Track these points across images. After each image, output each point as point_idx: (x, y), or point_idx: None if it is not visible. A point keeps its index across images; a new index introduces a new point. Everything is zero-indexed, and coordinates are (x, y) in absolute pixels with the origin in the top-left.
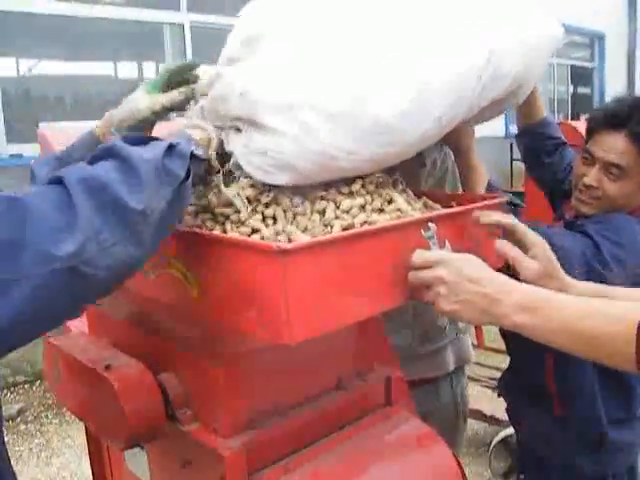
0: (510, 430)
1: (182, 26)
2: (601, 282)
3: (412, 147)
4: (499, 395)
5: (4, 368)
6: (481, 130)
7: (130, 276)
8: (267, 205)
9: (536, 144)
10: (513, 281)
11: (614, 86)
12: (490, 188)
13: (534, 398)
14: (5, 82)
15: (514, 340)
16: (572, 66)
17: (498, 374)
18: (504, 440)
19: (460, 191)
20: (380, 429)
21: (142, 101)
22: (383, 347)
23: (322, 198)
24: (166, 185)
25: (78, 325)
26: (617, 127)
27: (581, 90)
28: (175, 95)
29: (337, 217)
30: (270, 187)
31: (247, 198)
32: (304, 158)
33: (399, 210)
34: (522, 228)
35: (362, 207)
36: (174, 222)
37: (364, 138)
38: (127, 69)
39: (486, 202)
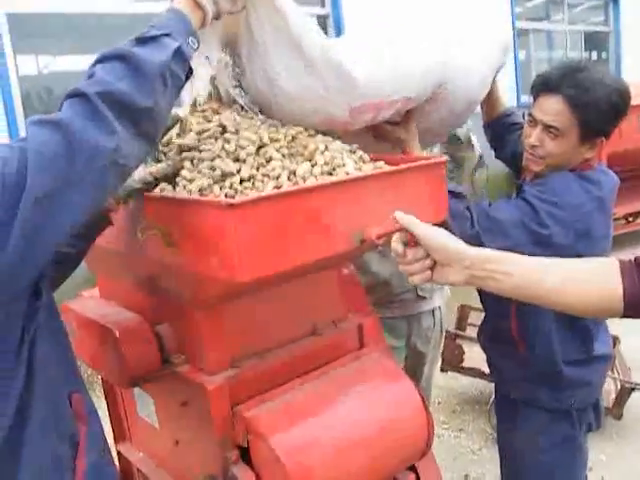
0: None
1: None
2: (544, 243)
3: None
4: (482, 348)
5: None
6: None
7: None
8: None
9: (501, 130)
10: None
11: (631, 50)
12: None
13: (502, 342)
14: (26, 80)
15: (484, 293)
16: (585, 32)
17: None
18: None
19: None
20: (350, 368)
21: (136, 172)
22: (357, 297)
23: (280, 167)
24: (172, 87)
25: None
26: (553, 91)
27: (596, 56)
28: (163, 167)
29: (289, 179)
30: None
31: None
32: None
33: (347, 173)
34: (413, 222)
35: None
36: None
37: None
38: None
39: (424, 162)
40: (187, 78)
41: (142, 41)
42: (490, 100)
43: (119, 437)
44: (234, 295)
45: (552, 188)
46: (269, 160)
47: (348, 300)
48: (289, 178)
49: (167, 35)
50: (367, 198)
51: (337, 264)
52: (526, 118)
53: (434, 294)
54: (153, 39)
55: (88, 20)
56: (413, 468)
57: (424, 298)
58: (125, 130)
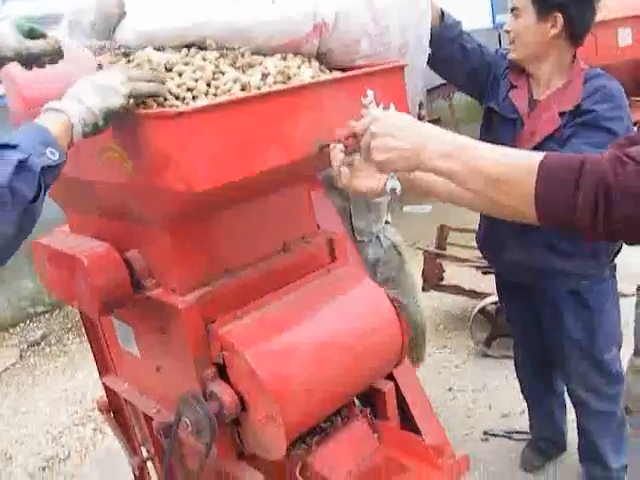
0: (488, 300)
1: None
2: None
3: None
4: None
5: (24, 300)
6: (467, 22)
7: None
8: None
9: (453, 33)
10: (429, 131)
11: None
12: None
13: None
14: None
15: None
16: None
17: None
18: (483, 311)
19: None
20: (321, 281)
21: (10, 40)
22: (326, 212)
23: (234, 81)
24: (12, 209)
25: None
26: None
27: None
28: (43, 44)
29: (243, 89)
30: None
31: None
32: None
33: (302, 80)
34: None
35: (266, 79)
36: (25, 237)
37: None
38: None
39: (382, 67)
40: (38, 195)
41: None
42: None
43: (104, 370)
44: (197, 209)
45: (610, 96)
46: (222, 74)
47: (317, 215)
48: (243, 89)
49: (11, 147)
50: (323, 105)
51: (299, 176)
52: None
53: (373, 236)
54: None
55: None
56: (392, 377)
57: (362, 242)
58: None
